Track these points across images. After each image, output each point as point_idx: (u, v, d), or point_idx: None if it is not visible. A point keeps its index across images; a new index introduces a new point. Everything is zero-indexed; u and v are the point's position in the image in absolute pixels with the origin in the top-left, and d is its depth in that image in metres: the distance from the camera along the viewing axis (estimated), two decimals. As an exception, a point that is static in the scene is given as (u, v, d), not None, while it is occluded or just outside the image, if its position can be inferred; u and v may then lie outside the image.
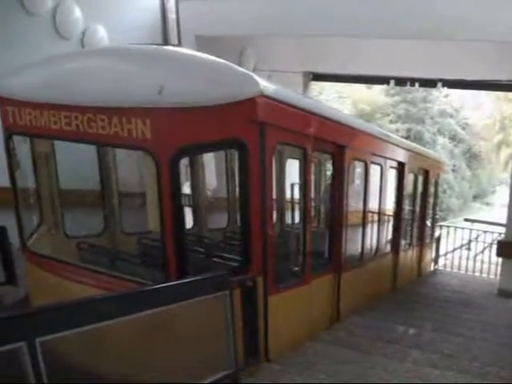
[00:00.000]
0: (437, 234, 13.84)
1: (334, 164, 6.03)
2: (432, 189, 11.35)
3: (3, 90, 4.77)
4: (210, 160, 6.88)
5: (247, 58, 12.41)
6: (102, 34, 9.57)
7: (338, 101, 33.57)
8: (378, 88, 34.49)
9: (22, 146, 5.01)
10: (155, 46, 4.58)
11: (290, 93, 4.89)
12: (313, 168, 5.76)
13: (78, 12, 9.32)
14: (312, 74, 15.06)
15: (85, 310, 3.14)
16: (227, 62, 4.39)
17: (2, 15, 7.99)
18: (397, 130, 33.46)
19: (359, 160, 6.73)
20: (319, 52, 13.37)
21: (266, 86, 4.36)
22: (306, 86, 14.93)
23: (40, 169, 5.24)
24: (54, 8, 8.94)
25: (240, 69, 4.37)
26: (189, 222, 6.88)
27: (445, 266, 14.15)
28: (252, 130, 4.28)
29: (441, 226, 14.91)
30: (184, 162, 6.70)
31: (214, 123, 4.19)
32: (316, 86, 21.57)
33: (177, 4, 11.63)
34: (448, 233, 14.73)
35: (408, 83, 14.31)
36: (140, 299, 3.50)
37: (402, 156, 8.44)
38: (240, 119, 4.23)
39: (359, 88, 33.74)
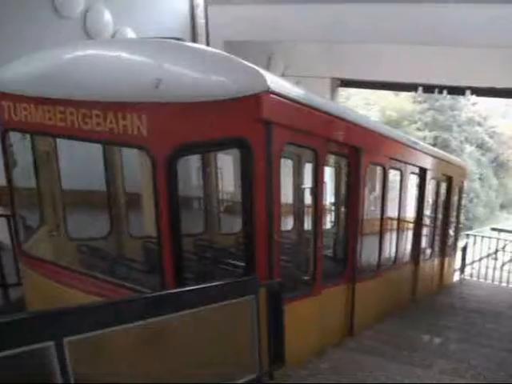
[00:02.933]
0: (463, 243, 13.15)
1: (349, 168, 5.45)
2: (455, 196, 10.53)
3: (-1, 84, 4.39)
4: (224, 160, 6.34)
5: (275, 63, 12.09)
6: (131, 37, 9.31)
7: (366, 107, 32.71)
8: (405, 95, 33.45)
9: (22, 143, 4.59)
10: (154, 38, 4.10)
11: (300, 90, 4.33)
12: (327, 171, 5.14)
13: (108, 15, 9.19)
14: (340, 80, 14.61)
15: (114, 310, 2.98)
16: (231, 55, 3.88)
17: (35, 18, 7.82)
18: (424, 138, 32.32)
19: (377, 164, 6.11)
20: (347, 58, 13.11)
21: (274, 81, 3.82)
22: (333, 92, 14.50)
23: (41, 167, 4.81)
24: (85, 11, 8.78)
25: (245, 62, 3.84)
26: (200, 226, 6.36)
27: (471, 275, 13.51)
28: (257, 129, 3.76)
29: (467, 235, 14.17)
30: (196, 164, 6.26)
31: (216, 121, 3.70)
32: (343, 93, 20.91)
33: (206, 9, 11.42)
34: (475, 242, 13.94)
35: (436, 90, 13.71)
36: (168, 301, 3.28)
37: (423, 161, 7.75)
38: (244, 117, 3.72)
39: (386, 95, 32.83)
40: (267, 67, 11.06)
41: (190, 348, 3.35)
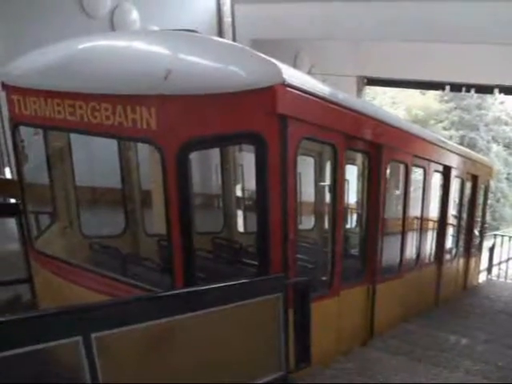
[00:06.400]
0: (490, 243, 12.62)
1: (369, 165, 5.09)
2: (481, 196, 9.95)
3: (9, 77, 4.17)
4: (244, 157, 6.04)
5: (302, 61, 11.80)
6: (157, 36, 9.12)
7: (392, 106, 31.91)
8: (431, 94, 32.50)
9: (35, 137, 4.38)
10: (166, 30, 3.83)
11: (317, 83, 4.01)
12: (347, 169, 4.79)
13: (135, 14, 9.00)
14: (366, 79, 14.20)
15: (142, 307, 2.95)
16: (245, 47, 3.59)
17: (62, 17, 7.69)
18: (450, 137, 31.27)
19: (399, 161, 5.71)
20: (374, 56, 12.77)
21: (290, 74, 3.52)
22: (359, 91, 14.11)
23: (54, 162, 4.60)
24: (112, 10, 8.62)
25: (260, 54, 3.55)
26: (218, 224, 6.09)
27: (498, 276, 12.98)
28: (272, 123, 3.47)
29: (495, 236, 13.57)
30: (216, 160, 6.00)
31: (228, 114, 3.43)
32: (370, 91, 20.37)
33: (232, 7, 11.17)
34: (502, 243, 13.37)
35: (464, 89, 13.14)
36: (195, 298, 3.18)
37: (447, 159, 7.28)
38: (258, 111, 3.43)
39: (413, 94, 31.98)
40: (293, 65, 10.77)
41: (214, 346, 3.19)
